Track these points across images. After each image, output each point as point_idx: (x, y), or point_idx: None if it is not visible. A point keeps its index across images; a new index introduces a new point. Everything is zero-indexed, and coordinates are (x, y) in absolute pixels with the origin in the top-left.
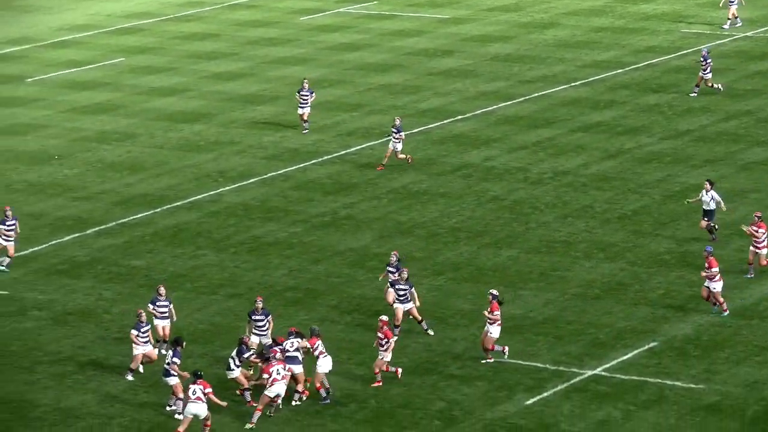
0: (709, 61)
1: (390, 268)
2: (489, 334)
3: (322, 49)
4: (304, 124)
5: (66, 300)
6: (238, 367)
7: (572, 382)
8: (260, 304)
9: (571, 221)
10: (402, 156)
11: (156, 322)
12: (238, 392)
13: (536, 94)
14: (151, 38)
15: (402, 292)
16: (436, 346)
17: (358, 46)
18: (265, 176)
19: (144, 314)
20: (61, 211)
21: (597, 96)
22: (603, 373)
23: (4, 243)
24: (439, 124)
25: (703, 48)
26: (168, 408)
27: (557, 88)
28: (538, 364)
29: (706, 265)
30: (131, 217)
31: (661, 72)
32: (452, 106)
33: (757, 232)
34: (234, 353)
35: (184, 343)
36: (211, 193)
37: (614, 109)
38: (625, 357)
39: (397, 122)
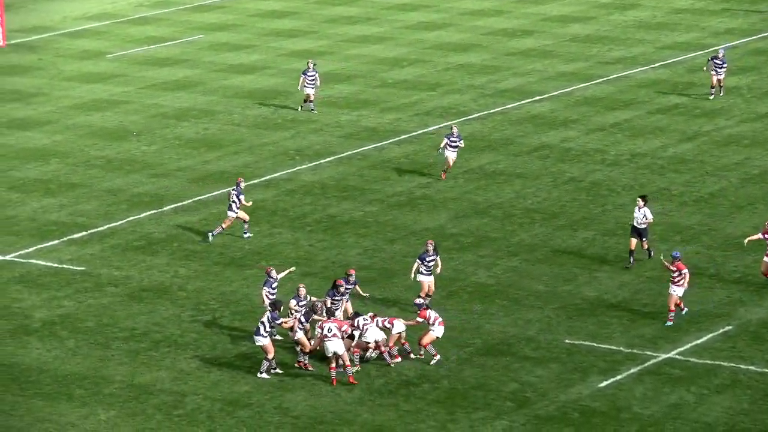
0: (725, 64)
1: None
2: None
3: (400, 28)
4: (311, 105)
5: (142, 276)
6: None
7: (646, 365)
8: (303, 291)
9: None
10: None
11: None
12: (296, 365)
13: (615, 76)
14: (230, 15)
15: (430, 264)
16: (510, 328)
17: (437, 25)
18: (341, 155)
19: (274, 271)
20: (138, 187)
21: (676, 78)
22: (677, 357)
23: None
24: (517, 104)
25: (720, 49)
26: (260, 374)
27: (636, 70)
28: (612, 347)
29: (673, 269)
30: (208, 195)
31: (741, 54)
32: (531, 87)
33: None
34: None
35: (282, 307)
36: (288, 171)
37: (693, 91)
38: (699, 341)
39: (455, 131)
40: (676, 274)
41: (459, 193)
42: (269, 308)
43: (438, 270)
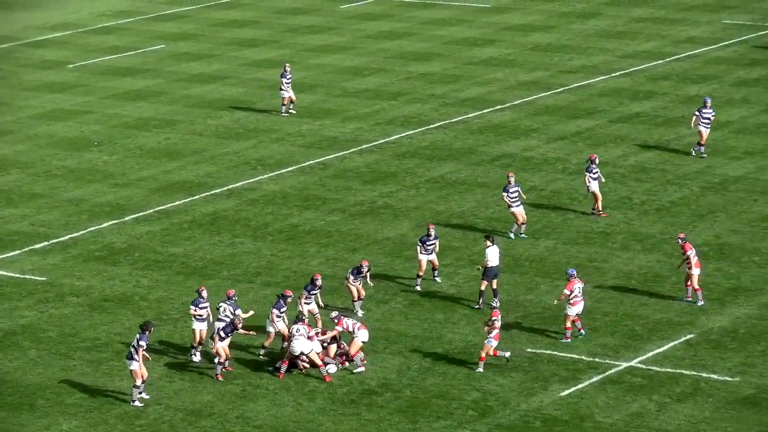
0: (712, 114)
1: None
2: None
3: (362, 37)
4: (291, 106)
5: (103, 286)
6: (222, 339)
7: (607, 373)
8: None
9: (608, 212)
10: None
11: (195, 325)
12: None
13: (576, 85)
14: (192, 25)
15: (430, 246)
16: (471, 336)
17: (398, 34)
18: (303, 164)
19: (205, 290)
20: (99, 197)
21: (637, 87)
22: (638, 365)
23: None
24: (478, 113)
25: (706, 98)
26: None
27: (597, 79)
28: (574, 356)
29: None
30: (169, 204)
31: (702, 63)
32: (492, 96)
33: None
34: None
35: (152, 328)
36: (250, 180)
37: (654, 100)
38: (660, 349)
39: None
40: (570, 294)
41: (421, 202)
42: (140, 330)
43: (437, 250)
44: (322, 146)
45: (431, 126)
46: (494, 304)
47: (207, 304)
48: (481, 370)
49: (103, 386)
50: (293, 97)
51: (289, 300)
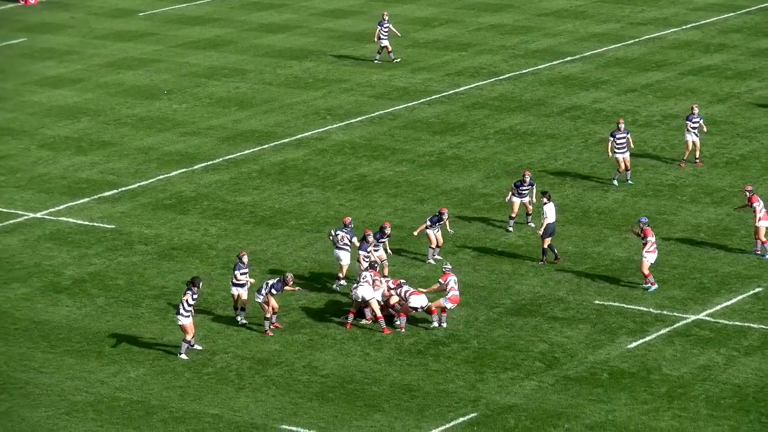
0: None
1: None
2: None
3: None
4: (390, 55)
5: (172, 235)
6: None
7: (675, 326)
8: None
9: (678, 165)
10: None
11: (233, 290)
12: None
13: (647, 37)
14: None
15: (525, 191)
16: (539, 288)
17: None
18: (372, 114)
19: (246, 255)
20: (169, 146)
21: (708, 39)
22: (706, 318)
23: (620, 155)
24: (548, 65)
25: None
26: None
27: (668, 31)
28: (642, 308)
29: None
30: (238, 154)
31: None
32: (562, 47)
33: None
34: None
35: (201, 283)
36: (319, 130)
37: (725, 53)
38: (729, 302)
39: (695, 110)
40: (644, 241)
41: (490, 153)
42: (188, 285)
43: (533, 196)
44: (391, 97)
45: (501, 77)
46: (445, 266)
47: (247, 270)
48: (436, 324)
49: (170, 334)
50: (389, 47)
51: (370, 239)
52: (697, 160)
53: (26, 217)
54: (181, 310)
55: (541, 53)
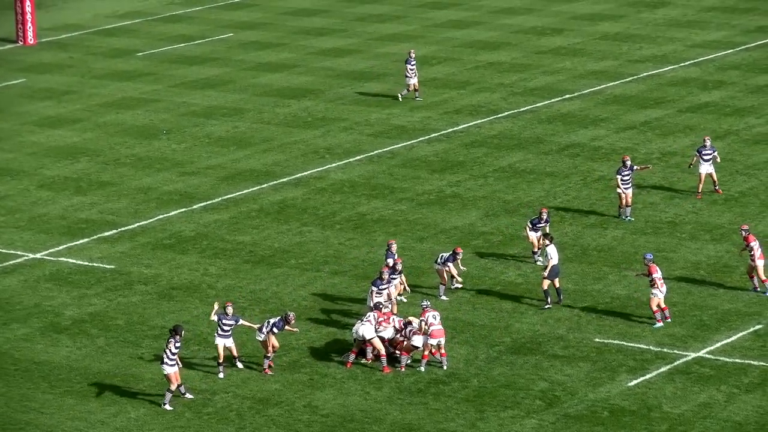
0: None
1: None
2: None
3: (430, 26)
4: (415, 93)
5: (171, 274)
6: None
7: (675, 363)
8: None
9: (677, 202)
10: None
11: (218, 340)
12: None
13: (645, 74)
14: (260, 13)
15: (540, 226)
16: (539, 326)
17: (466, 23)
18: (371, 153)
19: (231, 306)
20: (168, 185)
21: (706, 76)
22: (707, 356)
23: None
24: (546, 102)
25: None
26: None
27: (666, 68)
28: (642, 346)
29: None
30: (238, 193)
31: None
32: (560, 85)
33: None
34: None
35: (183, 332)
36: (318, 169)
37: (723, 89)
38: (729, 339)
39: (707, 142)
40: (651, 279)
41: (489, 191)
42: (171, 333)
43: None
44: (390, 135)
45: (500, 115)
46: (423, 303)
47: (232, 321)
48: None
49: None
50: (416, 85)
51: (384, 276)
52: (717, 188)
53: (26, 258)
54: (166, 359)
55: (539, 91)
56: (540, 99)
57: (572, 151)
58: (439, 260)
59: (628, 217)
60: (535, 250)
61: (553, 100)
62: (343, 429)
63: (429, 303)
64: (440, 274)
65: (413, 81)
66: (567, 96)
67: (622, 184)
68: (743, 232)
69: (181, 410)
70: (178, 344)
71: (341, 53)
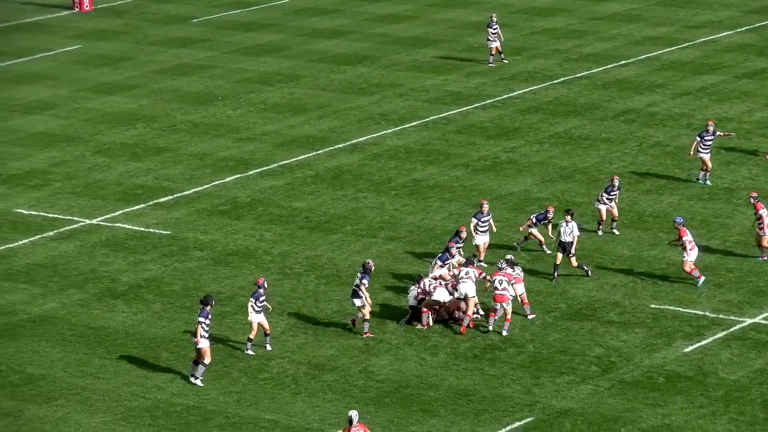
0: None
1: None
2: None
3: None
4: (501, 56)
5: (227, 240)
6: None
7: (731, 329)
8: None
9: (734, 168)
10: None
11: (251, 317)
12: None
13: (701, 40)
14: None
15: (613, 195)
16: (595, 292)
17: None
18: (426, 119)
19: (265, 281)
20: (223, 151)
21: (763, 42)
22: (763, 321)
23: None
24: (602, 68)
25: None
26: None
27: (722, 34)
28: (698, 312)
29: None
30: (293, 159)
31: None
32: (616, 51)
33: None
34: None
35: (213, 302)
36: (373, 135)
37: None
38: None
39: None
40: (680, 243)
41: (544, 157)
42: (201, 305)
43: (617, 201)
44: (445, 101)
45: (555, 81)
46: (500, 263)
47: (264, 298)
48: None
49: (226, 340)
50: (500, 47)
51: (453, 251)
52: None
53: (82, 224)
54: (202, 333)
55: (595, 57)
56: (595, 65)
57: (628, 117)
58: (532, 220)
59: (707, 182)
60: (602, 220)
61: (608, 66)
62: (398, 395)
63: (505, 265)
64: (534, 236)
65: (495, 44)
66: (623, 62)
67: (703, 148)
68: (752, 200)
69: (237, 375)
70: (209, 317)
71: (397, 19)
